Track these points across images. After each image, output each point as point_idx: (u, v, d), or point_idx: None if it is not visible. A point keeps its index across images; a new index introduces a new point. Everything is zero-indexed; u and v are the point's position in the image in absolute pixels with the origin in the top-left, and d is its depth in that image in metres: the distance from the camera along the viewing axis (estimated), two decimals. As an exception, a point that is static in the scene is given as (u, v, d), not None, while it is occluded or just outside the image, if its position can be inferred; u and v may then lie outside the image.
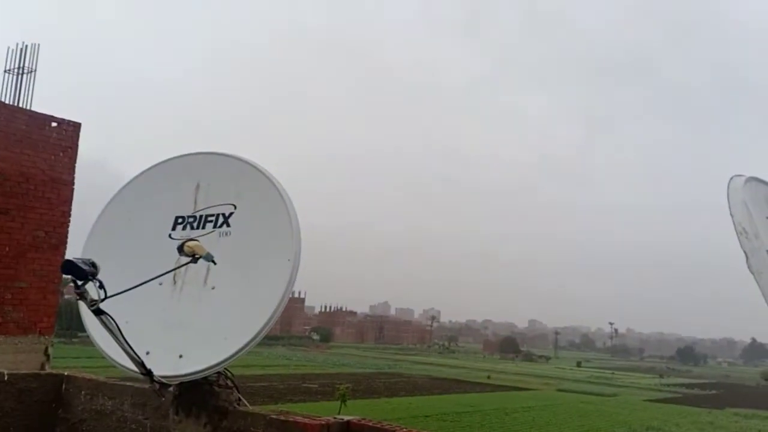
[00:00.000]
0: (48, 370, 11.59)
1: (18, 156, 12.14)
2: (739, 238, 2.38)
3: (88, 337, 3.78)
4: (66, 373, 4.50)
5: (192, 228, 3.91)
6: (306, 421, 3.37)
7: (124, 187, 4.29)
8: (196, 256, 3.40)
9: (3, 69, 12.54)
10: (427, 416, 27.61)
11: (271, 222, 3.74)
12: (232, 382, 3.72)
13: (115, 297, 3.16)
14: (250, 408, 3.67)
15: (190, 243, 3.44)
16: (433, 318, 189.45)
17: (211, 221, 3.88)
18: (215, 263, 3.55)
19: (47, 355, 11.37)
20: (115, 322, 3.04)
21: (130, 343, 3.30)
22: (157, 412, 3.93)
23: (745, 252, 2.36)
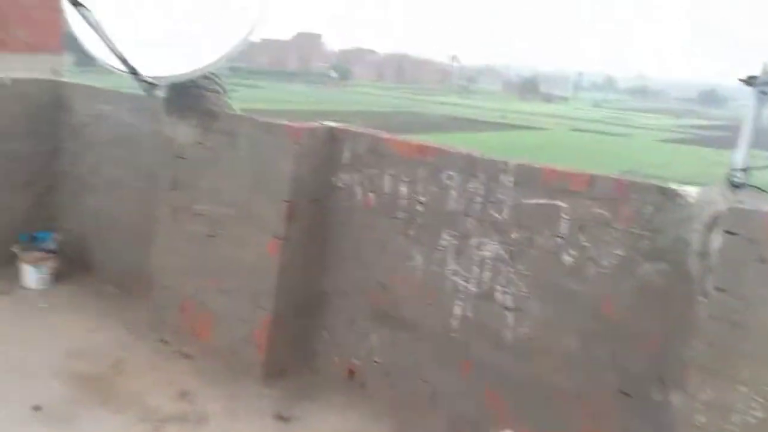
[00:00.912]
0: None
1: None
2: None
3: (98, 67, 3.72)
4: (65, 80, 4.62)
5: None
6: (292, 124, 3.51)
7: None
8: None
9: None
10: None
11: None
12: (221, 87, 3.80)
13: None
14: (240, 112, 3.80)
15: None
16: (454, 57, 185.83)
17: None
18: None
19: (58, 73, 11.52)
20: (93, 15, 3.01)
21: (121, 46, 3.33)
22: (153, 117, 4.09)
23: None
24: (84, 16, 3.02)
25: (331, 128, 3.62)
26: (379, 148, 3.48)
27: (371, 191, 3.50)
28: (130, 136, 4.28)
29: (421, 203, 3.35)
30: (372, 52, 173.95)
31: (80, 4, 2.97)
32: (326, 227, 3.68)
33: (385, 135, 3.55)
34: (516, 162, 3.11)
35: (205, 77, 3.68)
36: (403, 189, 3.40)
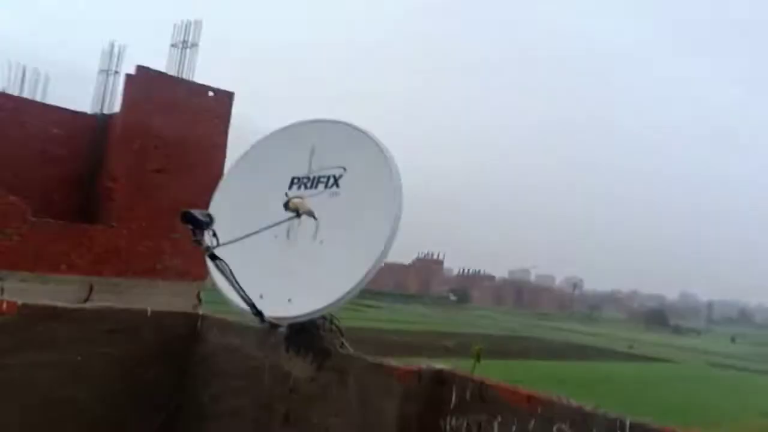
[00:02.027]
0: (199, 312, 12.97)
1: (178, 123, 13.41)
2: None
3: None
4: (201, 313, 5.07)
5: (306, 188, 4.22)
6: (399, 367, 3.61)
7: (249, 149, 4.70)
8: (299, 211, 3.75)
9: (170, 43, 13.74)
10: (561, 381, 27.17)
11: (376, 184, 3.95)
12: (338, 327, 4.03)
13: (237, 247, 3.60)
14: (352, 352, 3.97)
15: (294, 200, 3.79)
16: (575, 285, 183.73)
17: (322, 182, 4.17)
18: (316, 218, 3.87)
19: (199, 299, 12.69)
20: (228, 267, 3.44)
21: (248, 287, 3.72)
22: (274, 351, 4.34)
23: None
24: (220, 269, 3.45)
25: (438, 371, 3.67)
26: (486, 395, 3.46)
27: (479, 439, 3.41)
28: (253, 368, 4.52)
29: (531, 458, 3.21)
30: (490, 277, 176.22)
31: (217, 258, 3.40)
32: (432, 475, 3.56)
33: (492, 381, 3.55)
34: (632, 420, 2.97)
35: (323, 317, 3.95)
36: (512, 440, 3.30)
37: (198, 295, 11.04)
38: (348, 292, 3.73)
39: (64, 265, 9.83)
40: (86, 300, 9.78)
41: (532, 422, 3.25)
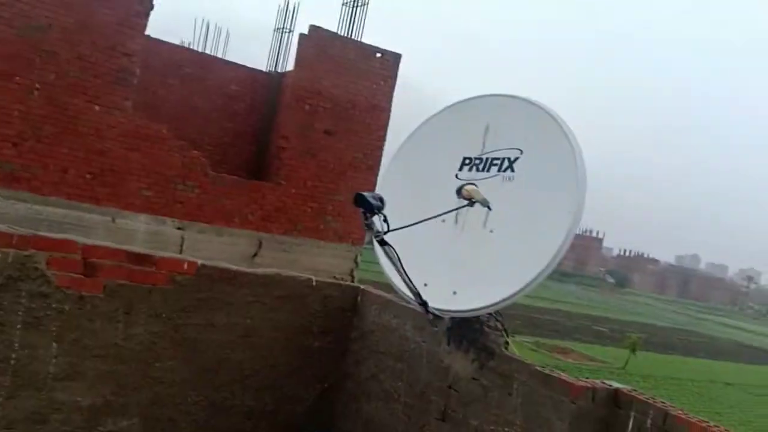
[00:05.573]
0: (355, 275, 13.35)
1: (346, 84, 13.62)
2: None
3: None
4: (362, 287, 5.06)
5: (477, 170, 3.96)
6: (570, 381, 3.31)
7: (419, 126, 4.50)
8: (473, 200, 3.51)
9: (341, 2, 13.93)
10: (728, 384, 24.94)
11: (557, 171, 3.60)
12: (502, 325, 3.79)
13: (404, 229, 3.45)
14: (517, 355, 3.72)
15: (467, 187, 3.57)
16: (750, 278, 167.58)
17: (496, 164, 3.88)
18: (490, 209, 3.60)
19: (356, 263, 12.98)
20: (396, 253, 3.30)
21: (411, 273, 3.57)
22: (432, 338, 4.21)
23: None
24: (387, 254, 3.33)
25: (614, 390, 3.33)
26: (669, 427, 3.07)
27: (657, 475, 3.05)
28: (410, 353, 4.43)
29: (718, 508, 2.80)
30: (654, 261, 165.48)
31: (386, 243, 3.28)
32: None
33: (677, 411, 3.14)
34: None
35: (489, 314, 3.72)
36: (697, 483, 2.90)
37: (356, 259, 11.27)
38: (516, 293, 3.46)
39: (237, 219, 10.41)
40: (254, 256, 10.34)
41: (724, 468, 2.84)
